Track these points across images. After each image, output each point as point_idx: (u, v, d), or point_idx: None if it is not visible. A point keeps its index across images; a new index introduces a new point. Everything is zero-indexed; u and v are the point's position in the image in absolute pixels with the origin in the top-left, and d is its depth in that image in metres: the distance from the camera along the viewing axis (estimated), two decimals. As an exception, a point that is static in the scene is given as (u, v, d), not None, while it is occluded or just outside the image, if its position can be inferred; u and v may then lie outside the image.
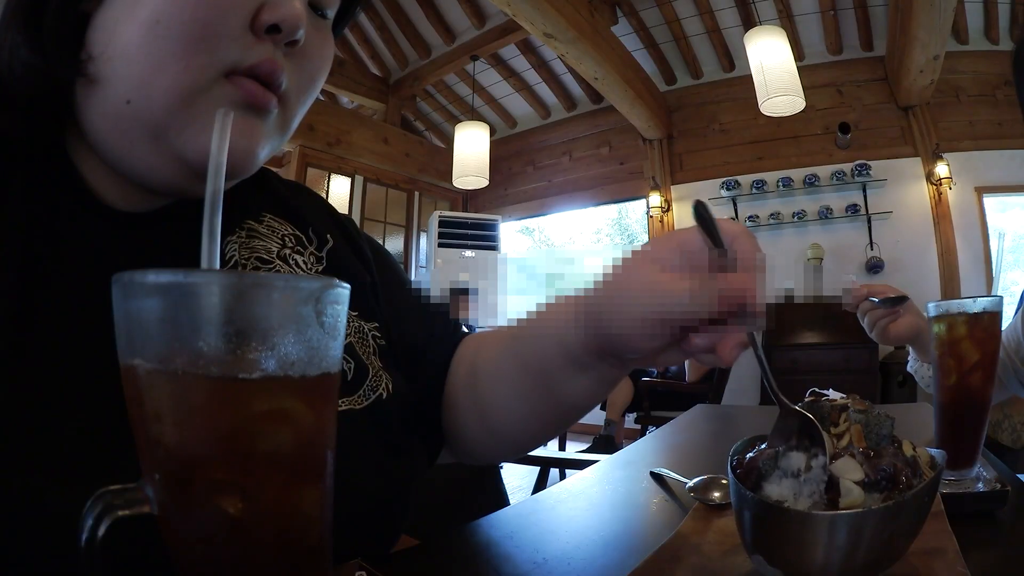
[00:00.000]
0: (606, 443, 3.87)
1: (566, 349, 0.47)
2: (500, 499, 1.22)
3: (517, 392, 0.53)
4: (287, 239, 0.55)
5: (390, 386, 0.55)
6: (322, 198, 0.66)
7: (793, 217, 4.85)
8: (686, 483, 0.63)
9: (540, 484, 2.14)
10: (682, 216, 5.37)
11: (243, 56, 0.41)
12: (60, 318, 0.40)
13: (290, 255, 0.54)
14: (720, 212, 5.06)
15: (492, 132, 5.69)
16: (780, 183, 4.89)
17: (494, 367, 0.56)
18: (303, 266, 0.55)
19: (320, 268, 0.56)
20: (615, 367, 0.47)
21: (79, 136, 0.45)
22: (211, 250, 0.26)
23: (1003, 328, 0.65)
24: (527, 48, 5.35)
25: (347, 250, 0.60)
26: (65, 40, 0.41)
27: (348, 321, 0.49)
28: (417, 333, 0.63)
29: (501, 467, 1.35)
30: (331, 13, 0.49)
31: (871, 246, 4.62)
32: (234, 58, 0.41)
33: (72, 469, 0.37)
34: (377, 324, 0.58)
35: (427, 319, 0.65)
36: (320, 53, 0.48)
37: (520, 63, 5.58)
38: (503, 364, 0.55)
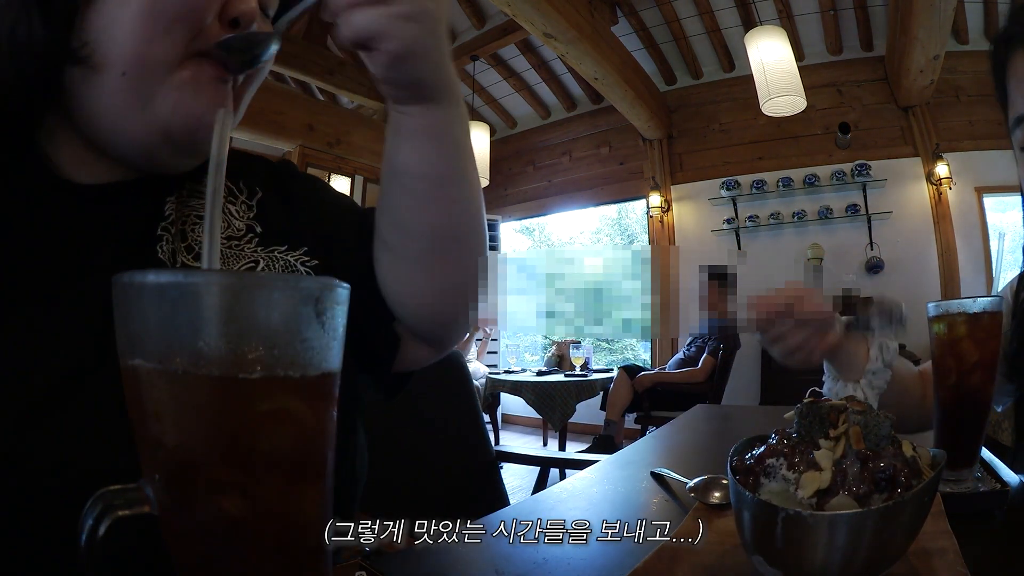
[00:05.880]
0: (606, 443, 3.87)
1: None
2: (500, 499, 1.22)
3: (399, 201, 0.59)
4: None
5: None
6: (261, 157, 0.70)
7: (793, 217, 4.84)
8: (686, 483, 0.63)
9: (540, 484, 2.14)
10: (682, 216, 5.36)
11: (212, 39, 0.49)
12: (14, 289, 0.44)
13: (223, 206, 0.58)
14: (720, 212, 5.09)
15: (492, 132, 5.68)
16: (780, 183, 4.88)
17: (384, 203, 0.61)
18: (236, 215, 0.59)
19: (251, 215, 0.60)
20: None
21: (53, 115, 0.50)
22: (211, 250, 0.26)
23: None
24: (527, 48, 5.34)
25: (276, 197, 0.64)
26: (67, 21, 0.46)
27: (276, 257, 0.57)
28: (346, 235, 0.64)
29: (501, 467, 1.35)
30: (271, 12, 0.58)
31: (871, 246, 4.61)
32: (207, 39, 0.49)
33: (72, 469, 0.37)
34: (306, 248, 0.60)
35: (353, 218, 0.67)
36: None
37: (520, 63, 5.57)
38: (386, 188, 0.61)
